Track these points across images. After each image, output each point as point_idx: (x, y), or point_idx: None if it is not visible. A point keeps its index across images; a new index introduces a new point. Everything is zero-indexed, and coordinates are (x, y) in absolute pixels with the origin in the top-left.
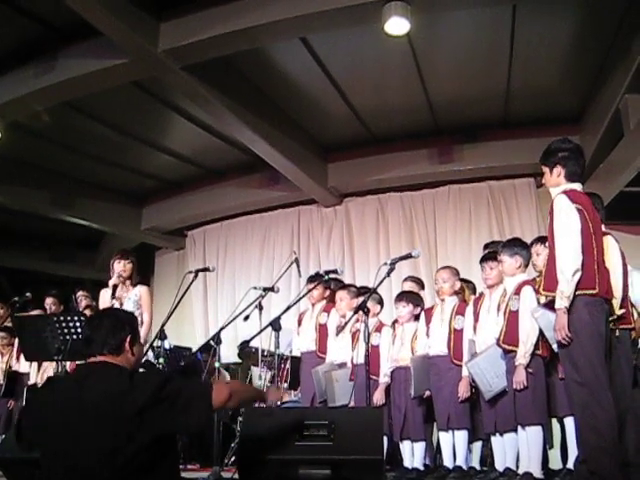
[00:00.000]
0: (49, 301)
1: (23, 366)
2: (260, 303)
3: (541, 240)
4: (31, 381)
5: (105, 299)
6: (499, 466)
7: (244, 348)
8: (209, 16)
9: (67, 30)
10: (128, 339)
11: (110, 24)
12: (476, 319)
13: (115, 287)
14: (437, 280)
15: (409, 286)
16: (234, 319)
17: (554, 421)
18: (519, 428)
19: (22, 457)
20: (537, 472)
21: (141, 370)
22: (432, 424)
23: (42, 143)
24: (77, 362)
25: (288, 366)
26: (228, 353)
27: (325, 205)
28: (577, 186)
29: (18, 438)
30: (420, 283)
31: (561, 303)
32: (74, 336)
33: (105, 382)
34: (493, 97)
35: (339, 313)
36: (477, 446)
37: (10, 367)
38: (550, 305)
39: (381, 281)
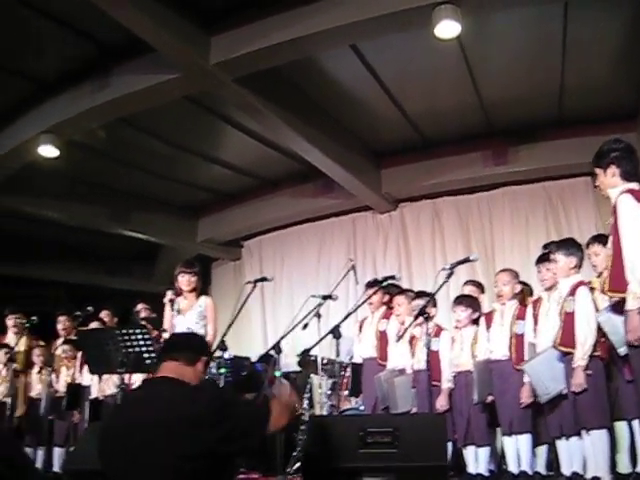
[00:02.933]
0: (104, 314)
1: (86, 379)
2: (318, 311)
3: (598, 240)
4: (92, 394)
5: (167, 312)
6: (566, 471)
7: (304, 357)
8: (259, 28)
9: (120, 48)
10: (203, 359)
11: (162, 40)
12: (535, 322)
13: (172, 301)
14: (497, 283)
15: (469, 290)
16: (293, 328)
17: (621, 424)
18: (583, 432)
19: (88, 468)
20: (606, 476)
21: (204, 387)
22: (496, 429)
23: (98, 159)
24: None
25: (349, 373)
26: (287, 362)
27: (380, 211)
28: (635, 185)
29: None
30: (480, 287)
31: (633, 304)
32: (136, 349)
33: (165, 399)
34: (547, 96)
35: (398, 319)
36: (542, 450)
37: (74, 380)
38: (616, 307)
39: (441, 285)
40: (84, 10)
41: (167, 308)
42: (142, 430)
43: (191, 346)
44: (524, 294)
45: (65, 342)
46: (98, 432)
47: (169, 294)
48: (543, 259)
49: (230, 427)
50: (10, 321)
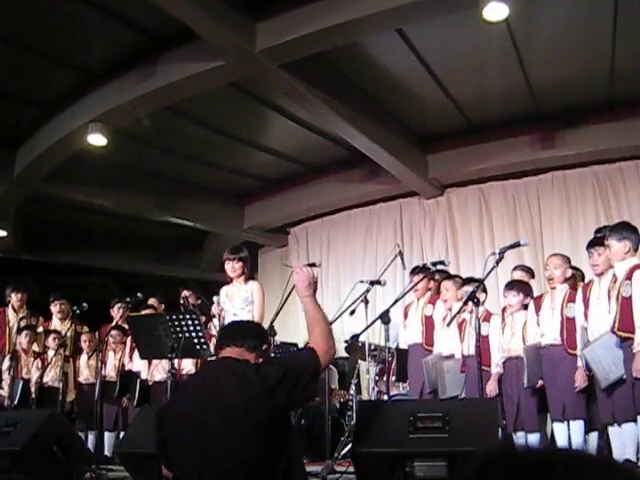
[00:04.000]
0: (152, 301)
1: (136, 365)
2: (366, 297)
3: None
4: (142, 378)
5: (217, 299)
6: (618, 457)
7: (352, 342)
8: (305, 13)
9: (165, 36)
10: (264, 347)
11: (208, 27)
12: (586, 306)
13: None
14: (548, 267)
15: (519, 275)
16: (341, 314)
17: None
18: (639, 418)
19: (141, 452)
20: None
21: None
22: (546, 415)
23: (145, 147)
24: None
25: (395, 359)
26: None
27: (426, 197)
28: None
29: (157, 434)
30: (530, 272)
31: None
32: (186, 334)
33: (235, 375)
34: (596, 79)
35: (445, 304)
36: (593, 437)
37: (123, 366)
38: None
39: (490, 271)
40: None
41: (215, 303)
42: (213, 406)
43: (254, 334)
44: (575, 279)
45: (114, 328)
46: (158, 411)
47: (186, 293)
48: (594, 243)
49: (295, 384)
50: (55, 307)
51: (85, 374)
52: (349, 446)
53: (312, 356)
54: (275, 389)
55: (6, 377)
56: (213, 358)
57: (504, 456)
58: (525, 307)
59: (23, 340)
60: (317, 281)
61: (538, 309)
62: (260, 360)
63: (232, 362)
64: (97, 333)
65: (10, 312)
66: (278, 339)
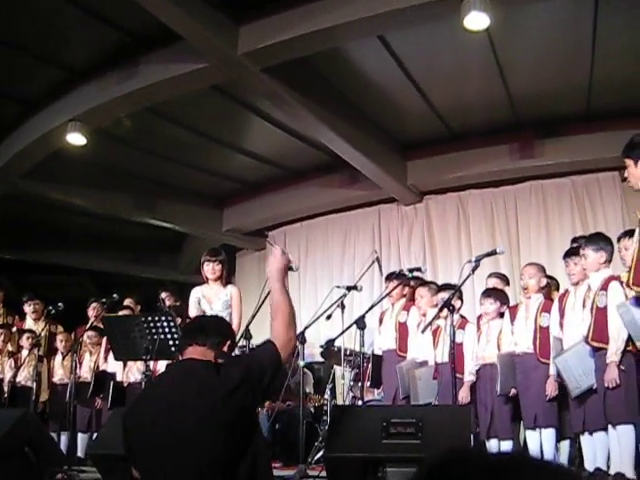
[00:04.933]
0: (128, 302)
1: (110, 366)
2: (342, 302)
3: (629, 234)
4: (117, 379)
5: (193, 300)
6: (589, 466)
7: (328, 347)
8: (287, 18)
9: (148, 36)
10: (228, 343)
11: (190, 29)
12: (562, 316)
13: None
14: (523, 276)
15: (494, 282)
16: (317, 318)
17: None
18: (609, 427)
19: (114, 453)
20: (630, 472)
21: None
22: (519, 422)
23: (125, 148)
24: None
25: (370, 365)
26: (311, 352)
27: (405, 203)
28: None
29: (124, 439)
30: (505, 279)
31: None
32: (162, 336)
33: (196, 377)
34: (575, 90)
35: (419, 310)
36: (565, 445)
37: (98, 367)
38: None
39: (466, 278)
40: None
41: (193, 294)
42: (175, 410)
43: (216, 330)
44: (550, 288)
45: (90, 328)
46: (123, 415)
47: (163, 295)
48: (571, 253)
49: (258, 382)
50: (29, 307)
51: (60, 374)
52: (322, 451)
53: (272, 351)
54: (237, 390)
55: None
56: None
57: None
58: (501, 315)
59: None
60: (289, 268)
61: (513, 318)
62: (220, 359)
63: (193, 364)
64: (73, 333)
65: None
66: (254, 342)
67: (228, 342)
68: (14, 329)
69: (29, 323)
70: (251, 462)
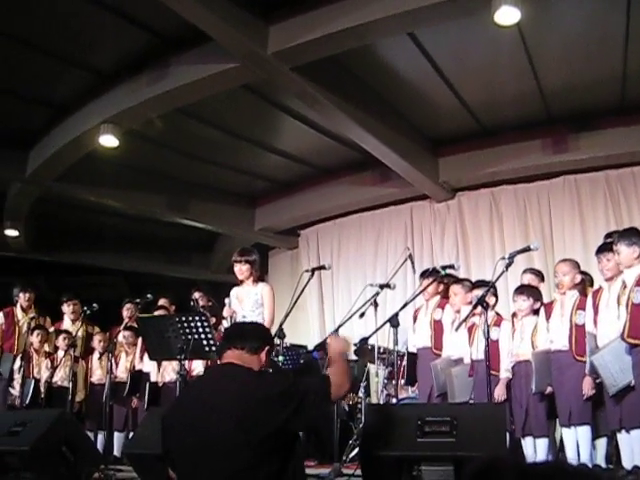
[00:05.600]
0: (162, 302)
1: (146, 365)
2: (375, 300)
3: None
4: (152, 379)
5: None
6: (626, 464)
7: (362, 345)
8: (316, 16)
9: (177, 38)
10: (267, 348)
11: (220, 29)
12: (595, 312)
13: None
14: (557, 273)
15: (529, 279)
16: (351, 317)
17: None
18: None
19: (150, 453)
20: None
21: (269, 370)
22: (555, 420)
23: (156, 149)
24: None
25: (405, 363)
26: None
27: (437, 200)
28: None
29: (162, 439)
30: (540, 275)
31: None
32: (195, 336)
33: (235, 382)
34: (609, 82)
35: (453, 308)
36: (601, 443)
37: (134, 366)
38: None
39: (499, 275)
40: (142, 1)
41: (226, 305)
42: (212, 413)
43: (255, 335)
44: (585, 284)
45: (126, 329)
46: (162, 416)
47: (196, 295)
48: (603, 249)
49: (296, 406)
50: (68, 307)
51: (98, 374)
52: (357, 449)
53: (324, 383)
54: (275, 401)
55: (17, 377)
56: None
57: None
58: (535, 312)
59: (35, 340)
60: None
61: (549, 315)
62: (264, 361)
63: (232, 368)
64: (108, 333)
65: (19, 312)
66: (287, 341)
67: (267, 348)
68: (52, 329)
69: (66, 323)
70: (285, 470)
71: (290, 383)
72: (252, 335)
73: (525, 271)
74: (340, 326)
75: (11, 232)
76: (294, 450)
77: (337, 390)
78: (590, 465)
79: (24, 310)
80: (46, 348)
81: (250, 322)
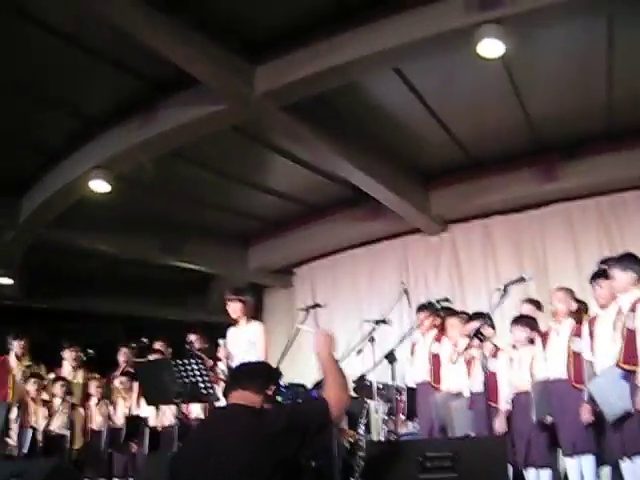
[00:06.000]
0: (158, 345)
1: (143, 410)
2: (372, 336)
3: None
4: (150, 424)
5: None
6: None
7: (360, 382)
8: (302, 56)
9: (165, 82)
10: (272, 387)
11: (207, 72)
12: (592, 340)
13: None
14: (552, 301)
15: (527, 309)
16: (348, 354)
17: None
18: None
19: None
20: None
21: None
22: (557, 450)
23: (148, 192)
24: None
25: (404, 398)
26: None
27: (430, 233)
28: None
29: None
30: (538, 305)
31: None
32: (192, 379)
33: (238, 424)
34: (594, 110)
35: (451, 341)
36: (606, 471)
37: (131, 411)
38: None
39: (495, 306)
40: (130, 46)
41: (221, 346)
42: (218, 456)
43: (261, 375)
44: (581, 312)
45: (122, 374)
46: (170, 460)
47: (192, 337)
48: (597, 276)
49: (301, 438)
50: (70, 354)
51: (98, 421)
52: None
53: (322, 406)
54: (278, 438)
55: (14, 426)
56: (222, 404)
57: None
58: (532, 341)
59: (31, 388)
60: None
61: (545, 344)
62: (266, 405)
63: (238, 410)
64: (105, 379)
65: (12, 360)
66: (285, 380)
67: (273, 388)
68: (51, 376)
69: (67, 370)
70: None
71: (291, 418)
72: (258, 375)
73: (524, 302)
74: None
75: (4, 280)
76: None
77: (337, 408)
78: None
79: (18, 358)
80: (43, 396)
81: (256, 362)
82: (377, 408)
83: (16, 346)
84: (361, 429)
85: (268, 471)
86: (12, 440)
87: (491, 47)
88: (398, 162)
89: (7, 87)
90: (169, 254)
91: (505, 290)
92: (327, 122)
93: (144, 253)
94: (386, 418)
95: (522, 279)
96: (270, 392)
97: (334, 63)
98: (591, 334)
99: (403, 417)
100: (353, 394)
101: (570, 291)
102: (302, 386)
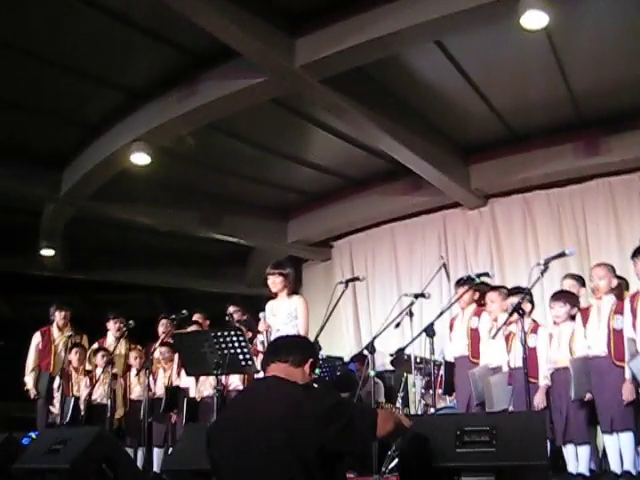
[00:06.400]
0: (197, 317)
1: (184, 381)
2: (411, 310)
3: None
4: (191, 395)
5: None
6: None
7: (398, 356)
8: (343, 28)
9: (206, 54)
10: (310, 361)
11: (247, 44)
12: (634, 317)
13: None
14: (593, 278)
15: (569, 284)
16: (386, 327)
17: None
18: None
19: (187, 469)
20: None
21: (315, 387)
22: (596, 427)
23: (188, 165)
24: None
25: (442, 372)
26: (381, 361)
27: (470, 207)
28: None
29: (207, 453)
30: (581, 281)
31: None
32: (231, 350)
33: (281, 397)
34: (638, 83)
35: (490, 315)
36: None
37: (171, 382)
38: None
39: (535, 282)
40: (170, 19)
41: (261, 319)
42: (258, 427)
43: (298, 348)
44: (621, 288)
45: (162, 345)
46: (207, 430)
47: (231, 309)
48: (639, 252)
49: (343, 426)
50: (114, 325)
51: (137, 391)
52: (396, 460)
53: (371, 413)
54: (325, 417)
55: (57, 395)
56: (260, 375)
57: None
58: (572, 318)
59: (73, 358)
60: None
61: (585, 320)
62: (308, 374)
63: (278, 381)
64: (144, 350)
65: (55, 331)
66: (324, 353)
67: (310, 360)
68: (95, 346)
69: (109, 341)
70: None
71: (338, 401)
72: (296, 348)
73: (565, 277)
74: (376, 337)
75: (47, 252)
76: (337, 469)
77: (383, 425)
78: (634, 472)
79: (60, 329)
80: (85, 366)
81: (293, 335)
82: (415, 382)
83: (58, 317)
84: (398, 402)
85: (307, 450)
86: (55, 409)
87: (534, 18)
88: (439, 135)
89: (49, 61)
90: (208, 226)
91: (546, 265)
92: (367, 95)
93: (183, 225)
94: (423, 392)
95: (563, 254)
96: (307, 367)
97: (375, 35)
98: (633, 311)
99: (440, 391)
100: (391, 368)
101: (610, 267)
102: (340, 359)
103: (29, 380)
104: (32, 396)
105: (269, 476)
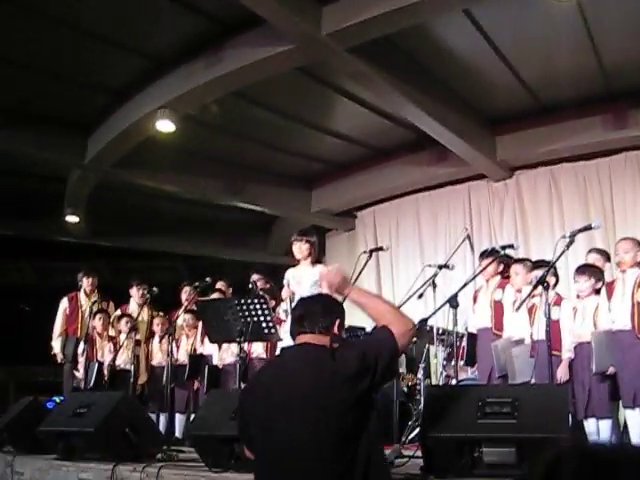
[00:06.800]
0: (220, 285)
1: (207, 348)
2: (434, 281)
3: None
4: (214, 362)
5: (284, 282)
6: None
7: (421, 326)
8: None
9: (232, 21)
10: (338, 322)
11: (274, 12)
12: None
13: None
14: (618, 251)
15: (594, 258)
16: (409, 298)
17: None
18: None
19: (211, 434)
20: None
21: (336, 345)
22: (618, 401)
23: (213, 133)
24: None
25: (464, 343)
26: None
27: (495, 179)
28: None
29: (239, 419)
30: (605, 255)
31: None
32: (255, 318)
33: (311, 363)
34: None
35: (514, 288)
36: None
37: (195, 349)
38: None
39: (560, 255)
40: None
41: (288, 274)
42: (291, 393)
43: (324, 313)
44: None
45: (186, 312)
46: (241, 394)
47: (254, 277)
48: None
49: (372, 375)
50: (138, 292)
51: (158, 357)
52: (416, 430)
53: (388, 335)
54: (355, 376)
55: (81, 360)
56: (289, 344)
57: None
58: (596, 292)
59: (97, 323)
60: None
61: (610, 294)
62: (337, 334)
63: (308, 348)
64: (167, 317)
65: (82, 296)
66: (346, 323)
67: (338, 321)
68: (117, 312)
69: (133, 307)
70: (365, 446)
71: (363, 356)
72: (320, 316)
73: (590, 251)
74: (399, 307)
75: (72, 218)
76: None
77: (401, 334)
78: None
79: (87, 295)
80: (109, 332)
81: (316, 297)
82: (437, 353)
83: (85, 283)
84: (420, 373)
85: (347, 410)
86: (79, 373)
87: None
88: (465, 106)
89: (75, 28)
90: (232, 194)
91: (572, 238)
92: (394, 64)
93: (207, 193)
94: (445, 363)
95: (589, 227)
96: (336, 328)
97: (403, 3)
98: None
99: (462, 362)
100: (413, 338)
101: (636, 241)
102: (362, 329)
103: (56, 345)
104: (59, 360)
105: (304, 441)
